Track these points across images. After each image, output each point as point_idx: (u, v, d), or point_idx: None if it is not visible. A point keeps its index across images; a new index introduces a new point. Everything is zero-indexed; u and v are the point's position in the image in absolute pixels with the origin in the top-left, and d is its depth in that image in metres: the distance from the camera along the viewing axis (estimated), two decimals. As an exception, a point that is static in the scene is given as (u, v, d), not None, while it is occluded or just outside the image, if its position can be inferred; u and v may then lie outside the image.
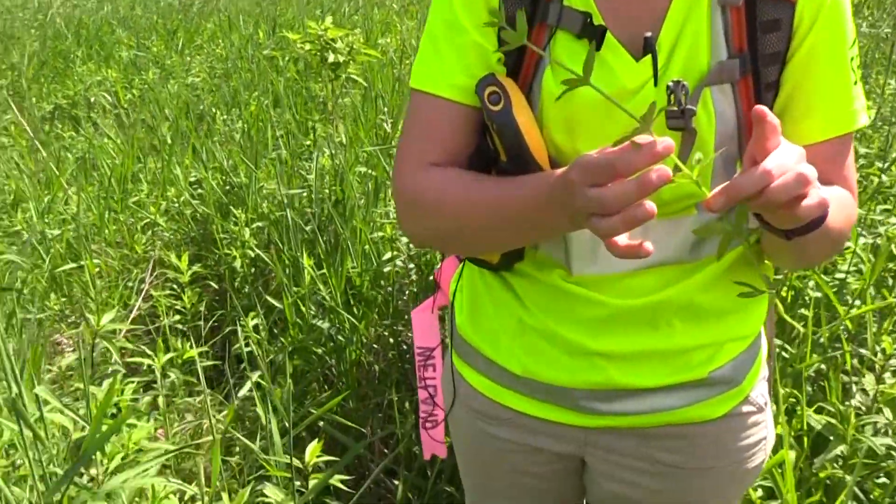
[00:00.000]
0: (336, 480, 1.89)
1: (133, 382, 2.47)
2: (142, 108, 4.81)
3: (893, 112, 2.56)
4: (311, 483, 1.87)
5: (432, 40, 1.06)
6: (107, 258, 3.51)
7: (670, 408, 1.12)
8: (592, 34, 0.99)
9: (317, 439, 1.91)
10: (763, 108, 0.76)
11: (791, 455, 1.57)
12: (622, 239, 0.79)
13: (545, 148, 1.04)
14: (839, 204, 1.00)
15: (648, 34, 0.97)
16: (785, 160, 0.77)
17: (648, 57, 0.97)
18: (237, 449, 2.56)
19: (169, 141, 3.95)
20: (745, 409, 1.18)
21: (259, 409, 2.14)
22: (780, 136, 0.80)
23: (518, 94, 1.02)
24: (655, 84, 0.99)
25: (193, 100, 4.62)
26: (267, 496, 1.96)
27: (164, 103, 4.62)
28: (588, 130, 1.03)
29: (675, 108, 0.90)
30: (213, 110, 4.18)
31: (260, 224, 3.22)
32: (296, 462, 1.90)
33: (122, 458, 2.08)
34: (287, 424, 2.42)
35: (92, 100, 5.23)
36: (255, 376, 2.43)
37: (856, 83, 1.04)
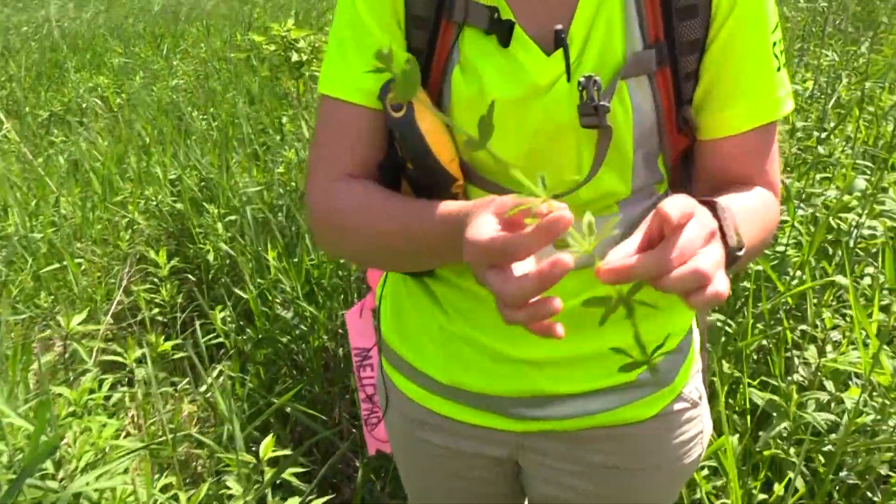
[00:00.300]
0: (289, 475, 1.72)
1: (109, 378, 2.29)
2: (129, 112, 4.59)
3: (829, 83, 2.37)
4: (267, 477, 1.70)
5: (338, 43, 0.90)
6: (93, 256, 3.32)
7: (600, 410, 0.98)
8: (500, 29, 0.84)
9: (280, 429, 1.74)
10: (666, 210, 0.62)
11: (733, 439, 1.40)
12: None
13: (455, 154, 0.89)
14: (758, 221, 0.86)
15: (559, 27, 0.82)
16: (688, 245, 0.62)
17: (560, 51, 0.83)
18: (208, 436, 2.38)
19: (147, 141, 3.74)
20: (678, 406, 1.03)
21: (220, 402, 1.96)
22: (691, 215, 0.63)
23: (422, 99, 0.84)
24: (568, 79, 0.84)
25: (175, 101, 4.40)
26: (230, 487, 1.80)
27: (147, 106, 4.39)
28: (500, 132, 0.85)
29: (588, 105, 0.79)
30: (191, 110, 3.95)
31: (232, 218, 3.03)
32: (249, 458, 1.72)
33: (94, 456, 1.93)
34: (253, 413, 2.26)
35: (84, 105, 4.99)
36: (217, 369, 2.26)
37: (779, 69, 0.88)
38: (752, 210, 0.86)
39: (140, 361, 2.74)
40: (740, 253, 0.76)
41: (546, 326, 0.64)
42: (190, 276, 3.16)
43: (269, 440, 1.69)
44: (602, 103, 0.80)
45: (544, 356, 0.95)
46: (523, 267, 0.65)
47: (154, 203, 3.39)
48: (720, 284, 0.63)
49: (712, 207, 0.76)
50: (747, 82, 0.86)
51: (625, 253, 0.64)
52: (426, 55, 0.88)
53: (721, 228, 0.75)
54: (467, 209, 0.76)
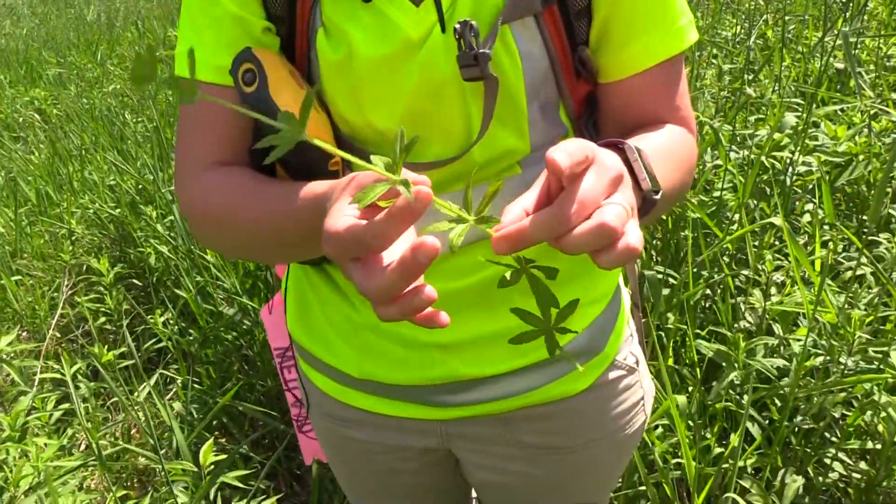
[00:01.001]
0: (231, 478, 1.58)
1: (52, 396, 2.13)
2: (65, 122, 4.34)
3: (753, 26, 2.25)
4: (205, 482, 1.56)
5: (190, 18, 0.77)
6: (35, 271, 3.12)
7: (527, 389, 0.86)
8: None
9: (235, 427, 1.60)
10: (553, 158, 0.49)
11: (681, 398, 1.28)
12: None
13: (326, 126, 0.76)
14: (675, 159, 0.74)
15: None
16: (589, 196, 0.50)
17: None
18: (163, 442, 2.23)
19: (82, 151, 3.52)
20: (613, 374, 0.90)
21: (161, 409, 1.81)
22: (589, 160, 0.51)
23: (279, 69, 0.72)
24: (443, 30, 0.72)
25: (111, 107, 4.17)
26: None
27: (83, 114, 4.15)
28: (375, 97, 0.74)
29: (468, 54, 0.68)
30: (126, 115, 3.73)
31: (172, 218, 2.84)
32: (189, 465, 1.57)
33: (34, 479, 1.77)
34: (198, 416, 2.11)
35: (20, 120, 4.73)
36: (157, 375, 2.10)
37: None
38: (665, 149, 0.73)
39: (90, 374, 2.57)
40: (657, 196, 0.64)
41: (427, 317, 0.51)
42: (136, 281, 2.98)
43: (207, 445, 1.54)
44: (483, 51, 0.68)
45: (455, 338, 0.83)
46: (395, 253, 0.52)
47: (92, 211, 3.19)
48: (632, 237, 0.50)
49: (619, 150, 0.64)
50: (646, 14, 0.75)
51: (517, 214, 0.51)
52: (288, 22, 0.75)
53: (632, 172, 0.63)
54: (330, 189, 0.63)
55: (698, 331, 1.62)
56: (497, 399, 0.86)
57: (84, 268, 3.07)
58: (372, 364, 0.87)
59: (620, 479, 1.49)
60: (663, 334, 1.57)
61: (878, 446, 1.38)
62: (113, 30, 6.44)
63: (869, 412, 1.37)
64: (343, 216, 0.52)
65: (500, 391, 0.85)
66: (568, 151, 0.50)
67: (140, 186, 3.19)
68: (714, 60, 2.52)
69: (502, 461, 0.93)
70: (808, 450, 1.44)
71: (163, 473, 2.06)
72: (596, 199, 0.50)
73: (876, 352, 1.29)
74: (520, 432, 0.90)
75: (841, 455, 1.41)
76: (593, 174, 0.51)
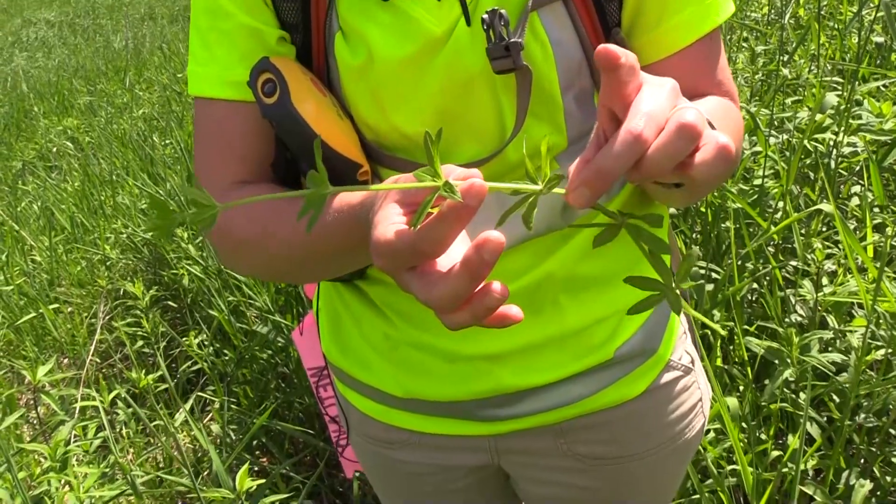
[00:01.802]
0: (269, 502, 1.54)
1: (92, 424, 2.12)
2: (97, 149, 4.39)
3: (785, 4, 2.16)
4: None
5: (199, 34, 0.73)
6: (73, 298, 3.14)
7: (580, 397, 0.81)
8: None
9: (276, 446, 1.56)
10: (607, 46, 0.45)
11: (732, 400, 1.20)
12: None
13: (351, 135, 0.71)
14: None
15: None
16: (655, 108, 0.46)
17: None
18: (204, 465, 2.21)
19: (113, 176, 3.55)
20: (669, 376, 0.85)
21: (198, 434, 1.78)
22: (638, 74, 0.47)
23: (299, 77, 0.68)
24: (468, 23, 0.67)
25: (141, 131, 4.20)
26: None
27: (113, 140, 4.20)
28: (399, 99, 0.69)
29: (498, 45, 0.63)
30: (152, 138, 3.76)
31: (202, 238, 2.84)
32: (227, 493, 1.54)
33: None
34: (237, 438, 2.08)
35: (54, 149, 4.80)
36: (194, 398, 2.07)
37: None
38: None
39: (130, 398, 2.57)
40: None
41: (499, 317, 0.48)
42: (171, 303, 2.98)
43: (243, 470, 1.51)
44: (515, 40, 0.63)
45: (502, 348, 0.78)
46: (453, 257, 0.48)
47: (125, 236, 3.20)
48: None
49: None
50: None
51: (582, 164, 0.46)
52: (303, 29, 0.71)
53: None
54: (369, 199, 0.59)
55: (746, 327, 1.54)
56: (548, 409, 0.81)
57: (121, 292, 3.08)
58: (414, 381, 0.83)
59: (673, 487, 1.42)
60: (709, 332, 1.49)
61: (950, 442, 1.28)
62: (140, 55, 6.52)
63: (938, 405, 1.28)
64: (391, 224, 0.48)
65: (551, 401, 0.81)
66: (620, 48, 0.45)
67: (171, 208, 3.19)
68: (745, 44, 2.42)
69: (557, 474, 0.88)
70: (873, 449, 1.35)
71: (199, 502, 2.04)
72: (663, 110, 0.45)
73: (942, 341, 1.20)
74: (574, 443, 0.85)
75: (909, 453, 1.32)
76: (650, 87, 0.47)
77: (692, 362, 0.89)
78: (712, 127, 0.53)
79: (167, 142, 3.84)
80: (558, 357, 0.80)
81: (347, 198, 0.63)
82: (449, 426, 0.85)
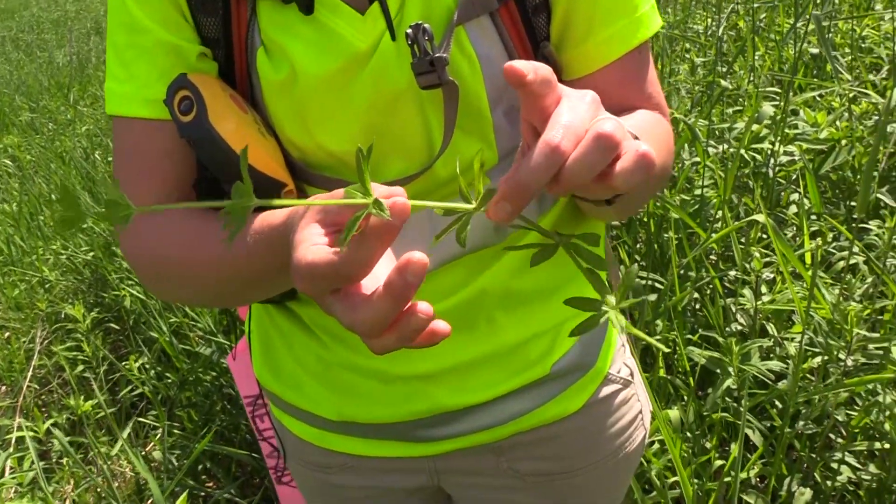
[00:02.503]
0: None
1: (28, 455, 2.03)
2: (38, 167, 4.26)
3: (721, 17, 2.19)
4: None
5: (116, 51, 0.70)
6: (10, 322, 3.03)
7: (518, 414, 0.80)
8: None
9: (220, 469, 1.51)
10: (513, 64, 0.45)
11: (674, 413, 1.20)
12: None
13: (275, 153, 0.69)
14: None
15: None
16: (574, 119, 0.45)
17: (375, 6, 0.66)
18: (147, 493, 2.14)
19: (54, 197, 3.45)
20: (607, 390, 0.85)
21: (136, 462, 1.72)
22: (555, 87, 0.47)
23: (218, 94, 0.66)
24: (393, 37, 0.66)
25: (83, 148, 4.09)
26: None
27: (54, 158, 4.08)
28: (324, 116, 0.68)
29: (423, 60, 0.63)
30: (94, 155, 3.66)
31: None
32: (164, 522, 1.49)
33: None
34: (180, 464, 2.01)
35: (-7, 168, 4.64)
36: (132, 425, 2.01)
37: None
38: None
39: (70, 426, 2.48)
40: None
41: (428, 335, 0.46)
42: (114, 325, 2.90)
43: (182, 499, 1.46)
44: (439, 55, 0.62)
45: (436, 367, 0.77)
46: (378, 276, 0.46)
47: (65, 257, 3.11)
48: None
49: None
50: (607, 5, 0.70)
51: (504, 179, 0.45)
52: (224, 44, 0.69)
53: None
54: (292, 219, 0.56)
55: (690, 336, 1.54)
56: (487, 428, 0.80)
57: (61, 315, 2.98)
58: (348, 403, 0.81)
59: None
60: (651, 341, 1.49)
61: (887, 446, 1.30)
62: (85, 71, 6.38)
63: (875, 411, 1.30)
64: (312, 246, 0.45)
65: (489, 419, 0.79)
66: (529, 63, 0.45)
67: (112, 228, 3.11)
68: (687, 55, 2.46)
69: (499, 493, 0.87)
70: (814, 455, 1.37)
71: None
72: (582, 121, 0.45)
73: (876, 347, 1.22)
74: (514, 461, 0.84)
75: (848, 458, 1.33)
76: (569, 100, 0.46)
77: (631, 374, 0.88)
78: (635, 138, 0.53)
79: (110, 159, 3.74)
80: (494, 374, 0.78)
81: (270, 218, 0.61)
82: (386, 448, 0.84)
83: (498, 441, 0.82)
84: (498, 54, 0.68)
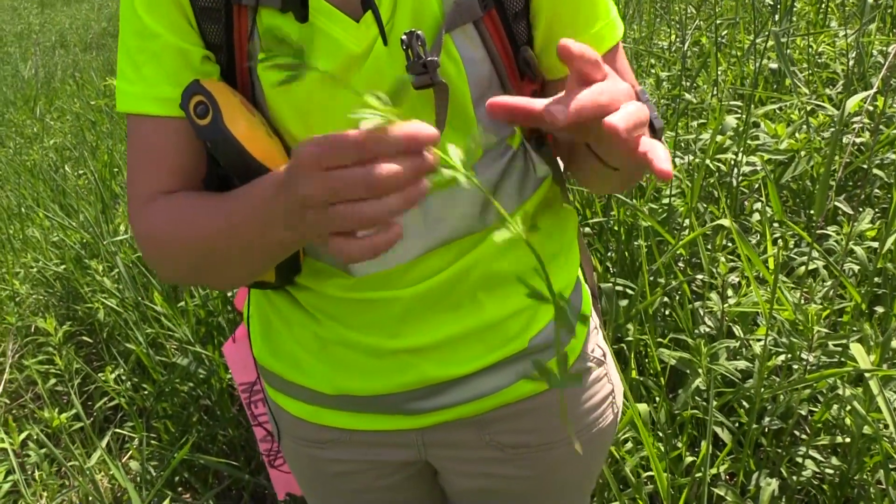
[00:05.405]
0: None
1: (1, 466, 2.02)
2: (5, 181, 4.21)
3: (687, 33, 2.28)
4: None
5: (127, 54, 0.77)
6: (-22, 337, 2.99)
7: (497, 388, 0.88)
8: (294, 3, 0.72)
9: (198, 481, 1.52)
10: (568, 41, 0.56)
11: (642, 406, 1.25)
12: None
13: (282, 154, 0.75)
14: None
15: None
16: (611, 87, 0.58)
17: (369, 15, 0.72)
18: (125, 506, 2.13)
19: (23, 210, 3.42)
20: (582, 366, 0.93)
21: (117, 474, 1.72)
22: (602, 67, 0.58)
23: (230, 99, 0.72)
24: (385, 43, 0.73)
25: (52, 161, 4.06)
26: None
27: (22, 171, 4.04)
28: (323, 114, 0.74)
29: (417, 63, 0.69)
30: (64, 168, 3.64)
31: (118, 270, 2.75)
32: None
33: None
34: (158, 474, 2.01)
35: (-42, 183, 4.57)
36: (113, 435, 2.01)
37: None
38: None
39: (44, 439, 2.45)
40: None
41: (382, 239, 0.54)
42: (86, 338, 2.88)
43: (165, 505, 1.47)
44: (431, 58, 0.69)
45: (424, 341, 0.85)
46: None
47: (35, 270, 3.08)
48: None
49: None
50: (586, 11, 0.78)
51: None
52: (227, 49, 0.75)
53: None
54: (282, 171, 0.63)
55: (660, 339, 1.60)
56: (470, 400, 0.87)
57: (32, 328, 2.95)
58: (343, 377, 0.87)
59: (594, 498, 1.46)
60: (625, 346, 1.55)
61: (848, 440, 1.36)
62: (51, 84, 6.32)
63: (835, 406, 1.36)
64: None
65: (472, 392, 0.86)
66: (580, 45, 0.56)
67: (84, 240, 3.09)
68: (652, 70, 2.54)
69: (481, 465, 0.94)
70: (780, 450, 1.43)
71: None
72: (617, 94, 0.56)
73: (836, 345, 1.28)
74: (496, 433, 0.91)
75: (812, 452, 1.39)
76: (612, 79, 0.57)
77: (604, 355, 0.96)
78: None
79: (80, 172, 3.73)
80: (477, 348, 0.85)
81: (267, 177, 0.67)
82: (377, 422, 0.90)
83: (480, 414, 0.89)
84: (482, 58, 0.76)
